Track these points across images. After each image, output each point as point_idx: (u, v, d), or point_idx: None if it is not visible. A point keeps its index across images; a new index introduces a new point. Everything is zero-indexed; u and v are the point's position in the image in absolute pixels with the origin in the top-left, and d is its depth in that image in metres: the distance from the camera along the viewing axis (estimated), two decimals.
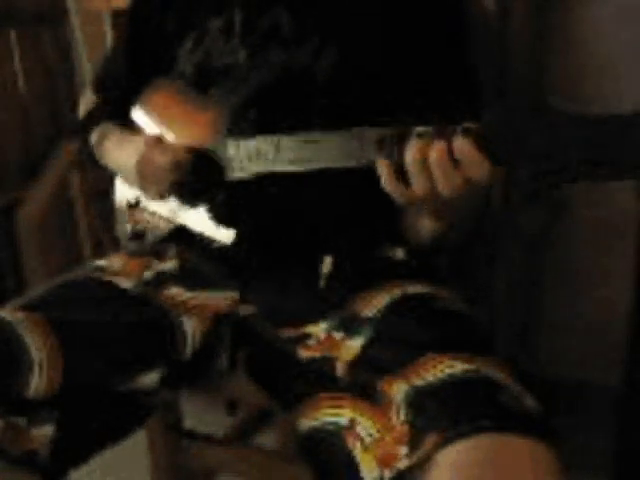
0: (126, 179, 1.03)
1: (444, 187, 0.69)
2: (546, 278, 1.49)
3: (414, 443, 0.66)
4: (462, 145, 0.67)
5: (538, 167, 0.63)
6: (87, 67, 1.59)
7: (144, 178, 0.92)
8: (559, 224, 1.43)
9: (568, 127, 0.61)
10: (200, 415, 1.37)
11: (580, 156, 0.61)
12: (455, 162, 0.68)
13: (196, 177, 0.91)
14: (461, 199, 0.71)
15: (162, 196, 0.93)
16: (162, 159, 0.89)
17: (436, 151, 0.68)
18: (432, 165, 0.68)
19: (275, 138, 0.82)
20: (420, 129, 0.70)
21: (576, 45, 1.32)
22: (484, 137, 0.66)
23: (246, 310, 0.95)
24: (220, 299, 0.95)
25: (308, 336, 0.87)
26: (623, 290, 1.31)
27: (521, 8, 1.24)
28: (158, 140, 0.92)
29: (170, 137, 0.95)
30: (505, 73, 1.22)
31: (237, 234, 0.91)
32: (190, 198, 0.94)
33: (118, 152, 1.01)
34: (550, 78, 1.34)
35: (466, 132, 0.67)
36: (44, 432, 0.81)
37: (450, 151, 0.68)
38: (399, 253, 0.96)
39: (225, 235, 0.92)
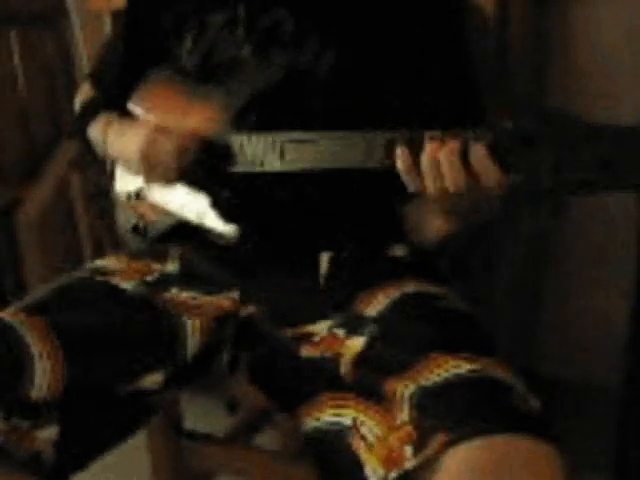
0: (128, 166, 0.99)
1: (454, 188, 0.69)
2: (546, 278, 1.49)
3: (420, 443, 0.66)
4: (475, 151, 0.68)
5: (549, 180, 0.63)
6: (87, 67, 1.59)
7: (148, 164, 0.90)
8: (559, 225, 1.43)
9: (583, 139, 0.61)
10: (200, 415, 1.37)
11: (595, 168, 0.61)
12: (467, 165, 0.68)
13: (201, 164, 0.89)
14: (471, 204, 0.72)
15: (166, 182, 0.91)
16: (167, 144, 0.88)
17: (448, 152, 0.69)
18: (443, 166, 0.69)
19: (278, 137, 0.82)
20: (431, 133, 0.71)
21: (576, 47, 1.32)
22: (496, 145, 0.67)
23: (248, 310, 0.95)
24: (222, 299, 0.95)
25: (311, 335, 0.87)
26: (623, 290, 1.31)
27: (520, 11, 1.24)
28: (163, 126, 0.91)
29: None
30: (504, 76, 1.23)
31: (241, 230, 0.90)
32: (194, 185, 0.93)
33: (120, 139, 0.99)
34: (550, 80, 1.34)
35: (479, 139, 0.67)
36: (48, 434, 0.80)
37: (463, 154, 0.68)
38: (402, 252, 0.96)
39: (229, 230, 0.91)
